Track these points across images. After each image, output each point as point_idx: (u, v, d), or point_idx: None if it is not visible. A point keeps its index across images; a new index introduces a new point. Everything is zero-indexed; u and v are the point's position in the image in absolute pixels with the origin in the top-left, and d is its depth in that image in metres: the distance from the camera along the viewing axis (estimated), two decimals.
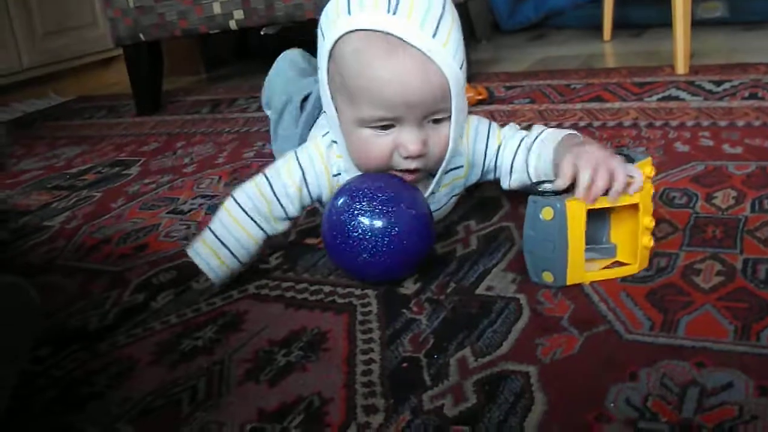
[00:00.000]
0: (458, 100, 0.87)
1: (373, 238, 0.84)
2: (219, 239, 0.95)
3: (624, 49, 2.22)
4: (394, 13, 0.83)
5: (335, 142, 0.95)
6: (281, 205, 0.97)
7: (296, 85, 1.18)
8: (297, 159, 0.97)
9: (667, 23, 1.78)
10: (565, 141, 0.91)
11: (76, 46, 2.80)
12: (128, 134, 1.98)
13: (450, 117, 0.88)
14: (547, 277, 0.83)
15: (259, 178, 0.98)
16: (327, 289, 0.92)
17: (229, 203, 0.98)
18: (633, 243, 0.85)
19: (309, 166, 0.97)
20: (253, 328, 0.85)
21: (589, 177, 0.80)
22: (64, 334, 0.91)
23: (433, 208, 1.00)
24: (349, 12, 0.85)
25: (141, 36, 2.08)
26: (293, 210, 0.98)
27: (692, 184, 1.10)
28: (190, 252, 0.96)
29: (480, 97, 1.70)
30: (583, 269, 0.83)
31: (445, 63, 0.84)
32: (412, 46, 0.83)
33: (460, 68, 0.86)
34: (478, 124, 1.00)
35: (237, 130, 1.82)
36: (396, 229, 0.84)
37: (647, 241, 0.84)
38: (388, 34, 0.83)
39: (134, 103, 2.22)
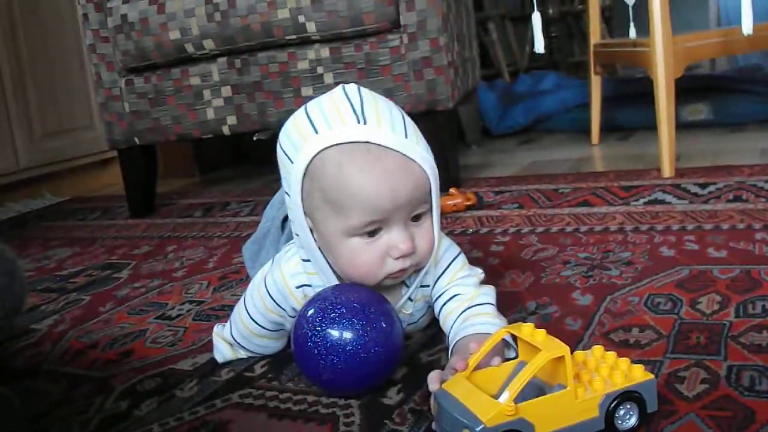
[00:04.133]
0: (437, 193, 0.92)
1: (337, 352, 0.85)
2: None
3: (611, 152, 2.26)
4: (365, 123, 0.87)
5: (307, 260, 0.97)
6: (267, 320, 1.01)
7: (280, 209, 1.20)
8: (266, 287, 1.00)
9: (653, 126, 1.82)
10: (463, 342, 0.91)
11: (73, 147, 2.84)
12: (120, 236, 1.99)
13: (429, 211, 0.92)
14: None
15: (241, 306, 1.03)
16: (311, 399, 0.91)
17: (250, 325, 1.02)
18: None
19: (274, 290, 0.99)
20: None
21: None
22: None
23: (414, 319, 1.02)
24: (316, 131, 0.88)
25: (136, 140, 2.12)
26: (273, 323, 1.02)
27: (677, 289, 1.10)
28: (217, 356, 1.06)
29: (469, 203, 1.72)
30: (495, 405, 0.73)
31: (423, 159, 0.89)
32: (392, 150, 0.87)
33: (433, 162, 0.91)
34: (448, 246, 1.01)
35: (228, 234, 1.83)
36: (357, 344, 0.85)
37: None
38: (367, 143, 0.86)
39: (128, 206, 2.24)
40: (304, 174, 0.89)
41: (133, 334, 1.22)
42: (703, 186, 1.64)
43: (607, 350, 0.81)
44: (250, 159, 3.07)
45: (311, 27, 1.85)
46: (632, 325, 1.00)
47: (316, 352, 0.85)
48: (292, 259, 0.99)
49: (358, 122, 0.87)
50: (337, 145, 0.87)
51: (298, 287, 0.98)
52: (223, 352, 1.05)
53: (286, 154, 0.92)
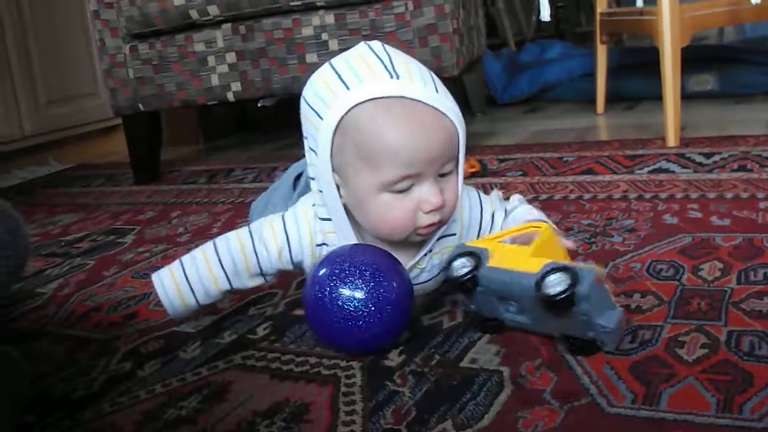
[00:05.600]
0: (463, 148, 0.93)
1: (349, 311, 0.85)
2: (187, 278, 1.03)
3: (617, 121, 2.25)
4: (398, 78, 0.88)
5: (326, 219, 0.97)
6: (259, 264, 1.01)
7: (294, 168, 1.20)
8: (283, 222, 1.00)
9: (659, 96, 1.82)
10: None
11: (78, 114, 2.83)
12: (125, 203, 2.00)
13: (455, 168, 0.93)
14: None
15: (243, 233, 1.02)
16: (313, 360, 0.92)
17: (208, 248, 1.03)
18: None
19: (294, 232, 0.99)
20: (237, 398, 0.85)
21: None
22: (48, 401, 0.91)
23: (425, 277, 1.01)
24: (347, 87, 0.89)
25: (140, 106, 2.12)
26: (270, 270, 1.02)
27: (679, 256, 1.10)
28: (155, 279, 1.04)
29: (473, 170, 1.72)
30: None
31: (454, 114, 0.90)
32: (424, 104, 0.88)
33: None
34: (469, 192, 1.03)
35: (232, 200, 1.84)
36: (373, 303, 0.86)
37: None
38: (401, 97, 0.87)
39: (132, 172, 2.25)
40: (335, 129, 0.89)
41: (137, 297, 1.23)
42: (707, 156, 1.64)
43: None
44: (255, 126, 3.07)
45: None
46: (634, 291, 1.00)
47: (337, 303, 0.86)
48: (309, 213, 0.99)
49: (391, 77, 0.88)
50: (370, 100, 0.88)
51: (318, 245, 0.99)
52: (172, 300, 1.04)
53: (314, 111, 0.92)
